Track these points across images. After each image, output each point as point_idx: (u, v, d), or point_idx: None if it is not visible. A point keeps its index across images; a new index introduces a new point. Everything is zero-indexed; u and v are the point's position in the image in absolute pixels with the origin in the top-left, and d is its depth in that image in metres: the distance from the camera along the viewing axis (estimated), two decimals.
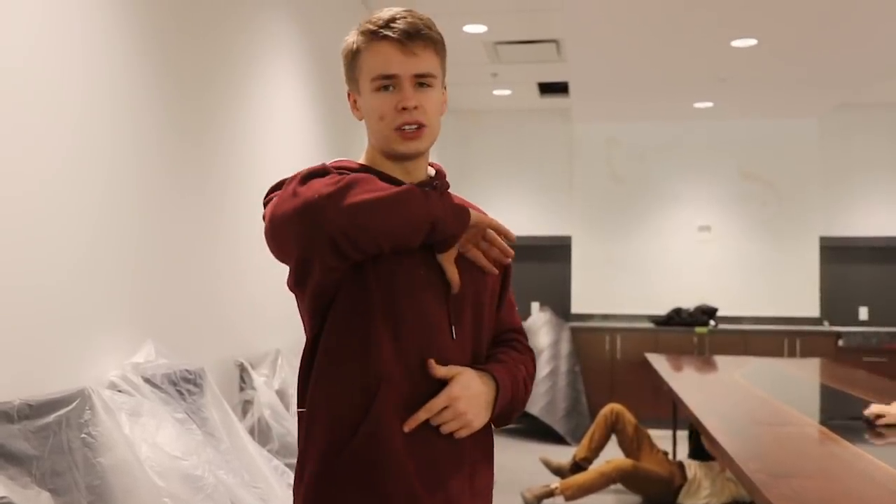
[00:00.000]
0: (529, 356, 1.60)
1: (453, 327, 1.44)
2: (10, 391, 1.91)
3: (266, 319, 3.55)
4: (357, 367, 1.37)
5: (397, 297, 1.38)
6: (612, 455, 5.25)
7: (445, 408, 1.38)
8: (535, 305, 8.00)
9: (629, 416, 5.21)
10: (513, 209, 8.20)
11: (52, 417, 1.96)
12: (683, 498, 4.85)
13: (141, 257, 2.54)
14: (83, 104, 2.27)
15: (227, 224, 3.19)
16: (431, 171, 1.56)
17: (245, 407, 3.10)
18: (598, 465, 4.91)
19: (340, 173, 1.38)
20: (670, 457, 5.17)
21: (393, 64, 1.39)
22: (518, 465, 5.97)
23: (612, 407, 5.25)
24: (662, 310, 7.87)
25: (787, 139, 7.90)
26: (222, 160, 3.14)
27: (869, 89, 7.06)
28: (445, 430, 1.40)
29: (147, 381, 2.36)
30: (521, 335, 1.62)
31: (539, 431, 6.93)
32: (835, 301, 7.79)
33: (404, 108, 1.39)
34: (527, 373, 1.56)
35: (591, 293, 8.09)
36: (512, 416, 1.54)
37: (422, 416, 1.37)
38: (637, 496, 5.06)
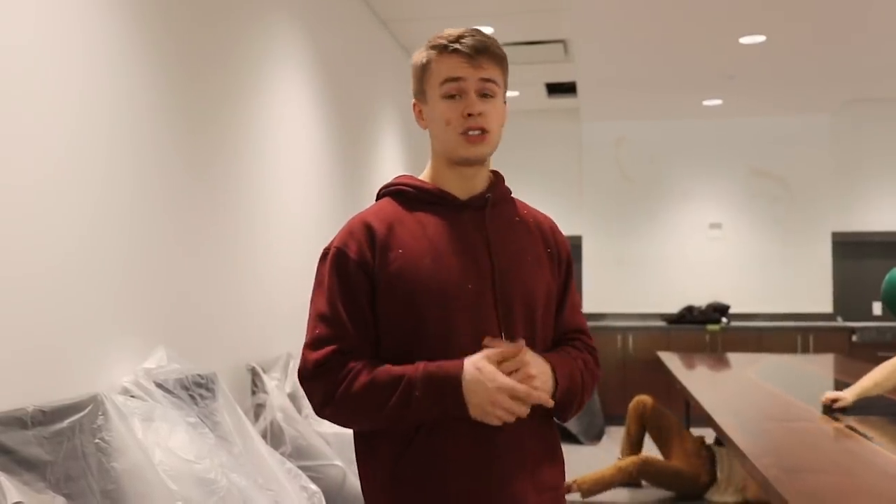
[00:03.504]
0: (591, 355, 1.63)
1: (504, 332, 1.49)
2: (23, 398, 1.93)
3: (277, 323, 3.56)
4: None
5: (434, 317, 1.47)
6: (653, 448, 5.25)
7: (515, 371, 1.43)
8: None
9: (655, 407, 5.18)
10: None
11: (65, 423, 1.98)
12: (711, 495, 4.84)
13: (152, 264, 2.55)
14: (86, 110, 2.28)
15: (238, 229, 3.20)
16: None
17: (257, 410, 3.11)
18: (616, 461, 4.89)
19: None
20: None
21: (460, 70, 1.50)
22: None
23: (638, 399, 5.24)
24: (674, 308, 7.85)
25: (797, 135, 7.86)
26: (234, 166, 3.16)
27: (880, 84, 7.02)
28: (520, 392, 1.40)
29: (159, 386, 2.38)
30: (584, 335, 1.65)
31: None
32: (848, 296, 7.74)
33: (469, 114, 1.49)
34: (585, 367, 1.58)
35: (602, 292, 8.07)
36: (572, 407, 1.56)
37: (493, 356, 1.42)
38: (665, 491, 5.02)
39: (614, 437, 6.86)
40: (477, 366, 1.40)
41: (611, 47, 5.75)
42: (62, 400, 2.01)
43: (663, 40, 5.59)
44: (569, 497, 4.84)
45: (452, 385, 1.39)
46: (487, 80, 1.51)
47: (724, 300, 7.75)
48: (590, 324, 7.64)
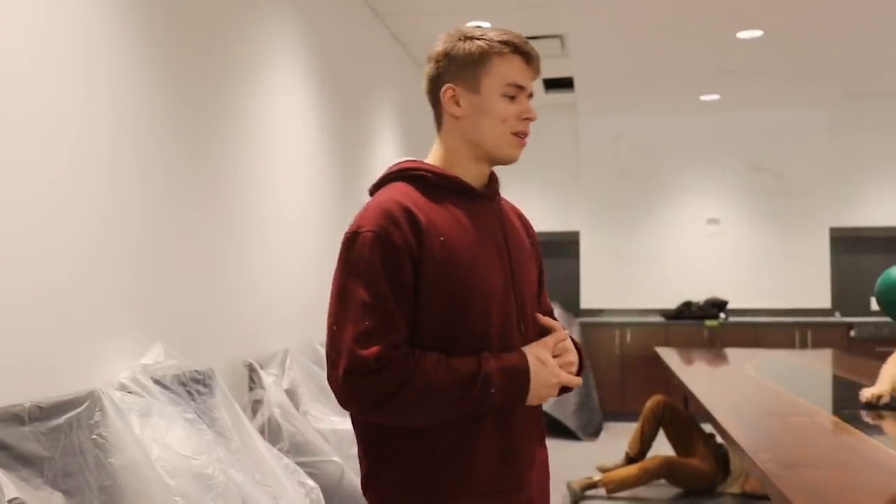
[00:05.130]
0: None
1: (521, 324, 1.55)
2: (20, 394, 1.92)
3: (274, 319, 3.55)
4: None
5: (477, 307, 1.48)
6: (663, 446, 5.28)
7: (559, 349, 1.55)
8: None
9: (675, 408, 5.23)
10: (520, 205, 8.07)
11: (62, 419, 1.97)
12: (724, 487, 4.98)
13: (149, 259, 2.55)
14: (86, 108, 2.28)
15: (235, 225, 3.20)
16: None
17: (255, 406, 3.11)
18: (643, 461, 5.01)
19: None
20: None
21: (525, 77, 1.55)
22: None
23: (657, 399, 5.26)
24: (672, 303, 7.85)
25: (795, 131, 7.86)
26: (230, 161, 3.15)
27: (878, 79, 7.02)
28: (572, 383, 1.54)
29: (156, 382, 2.37)
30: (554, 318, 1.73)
31: (550, 427, 6.91)
32: (846, 292, 7.75)
33: (527, 118, 1.55)
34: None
35: (600, 288, 8.07)
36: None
37: (550, 342, 1.53)
38: (678, 489, 5.09)
39: (612, 433, 6.86)
40: (541, 359, 1.49)
41: (608, 42, 5.75)
42: (59, 396, 2.00)
43: (661, 35, 5.59)
44: (592, 493, 4.92)
45: (524, 380, 1.46)
46: (532, 94, 1.58)
47: (721, 296, 7.76)
48: (587, 319, 7.66)
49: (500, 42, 1.55)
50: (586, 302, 8.05)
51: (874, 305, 7.67)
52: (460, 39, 1.57)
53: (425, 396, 1.40)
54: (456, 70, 1.56)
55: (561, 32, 5.81)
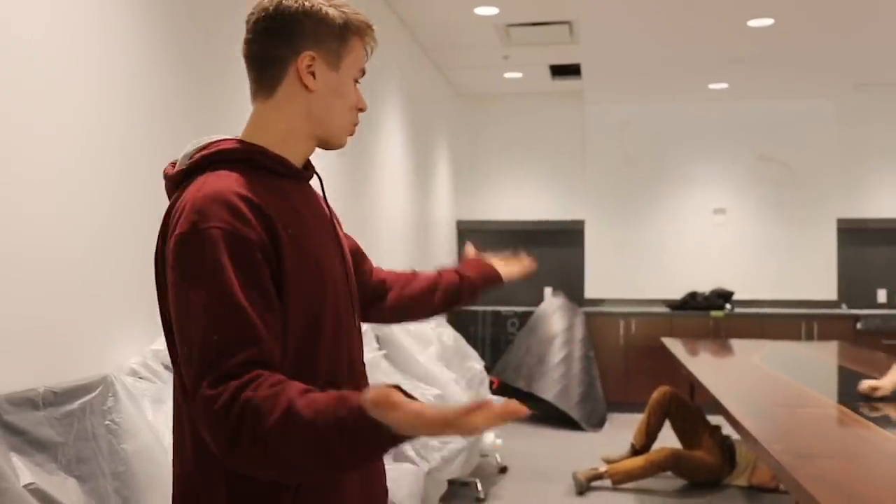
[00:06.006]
0: None
1: (356, 313, 1.44)
2: (34, 379, 1.91)
3: None
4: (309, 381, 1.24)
5: (330, 304, 1.33)
6: (669, 437, 5.29)
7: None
8: (548, 290, 7.97)
9: (682, 399, 5.23)
10: (525, 193, 8.17)
11: (76, 404, 1.97)
12: (730, 480, 5.00)
13: None
14: (101, 91, 2.26)
15: None
16: None
17: None
18: (649, 453, 5.01)
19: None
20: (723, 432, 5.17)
21: (365, 63, 1.42)
22: (534, 450, 5.97)
23: (664, 390, 5.25)
24: (677, 294, 7.83)
25: (803, 120, 7.81)
26: None
27: (888, 70, 6.97)
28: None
29: (167, 368, 2.36)
30: None
31: (554, 417, 6.92)
32: (852, 283, 7.72)
33: (361, 109, 1.42)
34: None
35: (604, 277, 8.05)
36: None
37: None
38: (684, 481, 5.10)
39: (616, 424, 6.86)
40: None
41: (617, 29, 5.71)
42: (72, 381, 1.99)
43: (670, 22, 5.55)
44: (598, 484, 4.93)
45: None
46: None
47: (727, 286, 7.73)
48: (591, 309, 7.64)
49: (360, 21, 1.39)
50: (591, 292, 8.03)
51: (881, 298, 7.65)
52: (338, 9, 1.36)
53: (292, 442, 1.10)
54: (319, 38, 1.34)
55: (569, 19, 5.78)
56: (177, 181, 1.32)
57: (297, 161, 1.37)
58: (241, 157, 1.30)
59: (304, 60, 1.33)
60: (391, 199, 5.52)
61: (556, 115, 8.17)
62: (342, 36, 1.35)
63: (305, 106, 1.35)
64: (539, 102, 8.17)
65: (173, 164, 1.35)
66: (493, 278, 1.84)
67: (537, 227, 8.08)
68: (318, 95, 1.34)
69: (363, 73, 1.41)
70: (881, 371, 4.08)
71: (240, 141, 1.34)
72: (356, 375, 1.39)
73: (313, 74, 1.34)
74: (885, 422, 2.76)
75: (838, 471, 2.11)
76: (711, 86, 7.37)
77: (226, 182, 1.24)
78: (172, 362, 1.31)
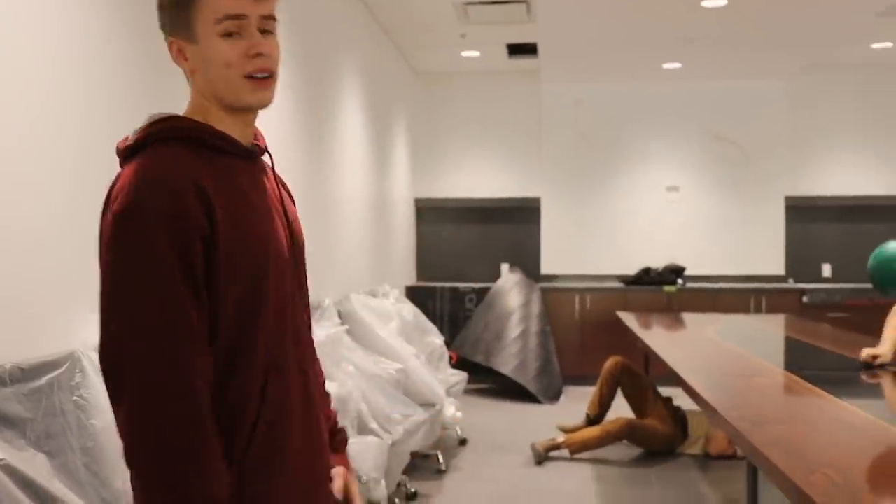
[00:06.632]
0: None
1: (304, 299, 1.46)
2: (0, 355, 1.89)
3: None
4: (248, 359, 1.31)
5: (273, 288, 1.33)
6: (622, 407, 5.43)
7: None
8: (504, 267, 8.05)
9: (633, 369, 5.35)
10: (482, 171, 8.22)
11: (43, 380, 1.96)
12: (683, 449, 5.16)
13: None
14: (63, 66, 2.22)
15: None
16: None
17: None
18: (605, 423, 5.15)
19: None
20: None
21: (240, 4, 1.29)
22: (493, 423, 6.06)
23: (615, 360, 5.37)
24: (631, 269, 7.97)
25: (755, 101, 7.98)
26: None
27: (837, 51, 7.15)
28: None
29: None
30: None
31: (511, 391, 7.03)
32: (799, 259, 7.95)
33: (257, 55, 1.30)
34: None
35: (560, 254, 8.16)
36: None
37: None
38: (640, 449, 5.25)
39: (572, 397, 6.99)
40: None
41: (574, 8, 5.75)
42: (39, 357, 1.98)
43: (625, 2, 5.61)
44: (555, 454, 5.05)
45: None
46: (268, 17, 1.32)
47: (680, 262, 7.90)
48: (547, 285, 7.74)
49: None
50: (547, 268, 8.13)
51: (826, 272, 7.90)
52: None
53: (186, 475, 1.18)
54: (171, 21, 1.33)
55: None
56: (125, 156, 1.31)
57: (242, 139, 1.36)
58: (187, 134, 1.29)
59: (172, 49, 1.35)
60: (350, 178, 5.51)
61: (512, 93, 8.21)
62: (184, 4, 1.31)
63: (196, 83, 1.35)
64: (496, 81, 8.20)
65: (126, 139, 1.34)
66: None
67: (494, 205, 8.14)
68: (198, 73, 1.33)
69: (236, 17, 1.29)
70: (828, 341, 4.24)
71: (187, 118, 1.33)
72: (301, 343, 1.41)
73: (184, 56, 1.33)
74: (835, 390, 2.87)
75: (794, 436, 2.20)
76: (666, 66, 7.47)
77: (166, 158, 1.24)
78: None
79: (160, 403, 1.17)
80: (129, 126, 1.35)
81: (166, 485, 1.17)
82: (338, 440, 1.57)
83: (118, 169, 1.30)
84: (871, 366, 3.28)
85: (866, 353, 3.33)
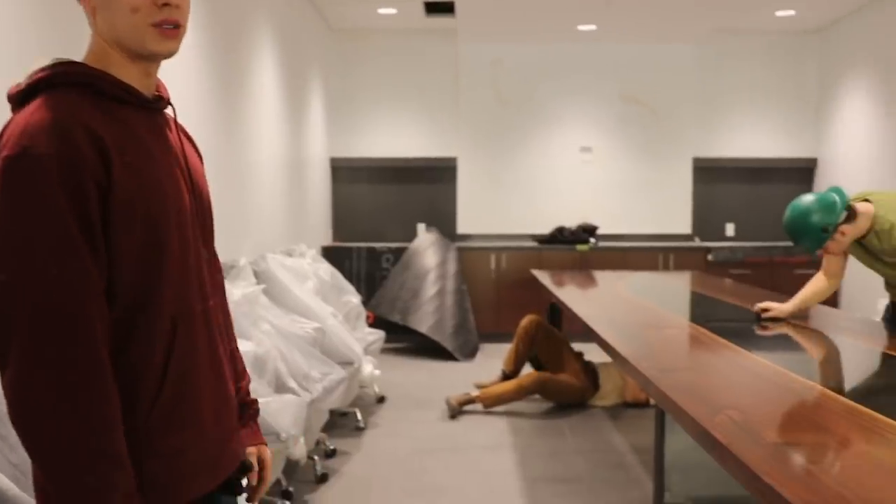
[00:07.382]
0: None
1: (206, 250, 1.44)
2: None
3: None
4: (154, 311, 1.29)
5: (174, 240, 1.31)
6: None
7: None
8: (421, 226, 8.08)
9: (548, 327, 5.50)
10: (398, 131, 8.18)
11: None
12: (594, 401, 5.37)
13: None
14: None
15: None
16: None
17: None
18: (519, 377, 5.28)
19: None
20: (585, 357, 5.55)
21: None
22: (410, 381, 6.13)
23: (531, 319, 5.49)
24: (546, 229, 8.13)
25: (665, 64, 8.17)
26: None
27: (744, 16, 7.37)
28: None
29: None
30: None
31: (428, 349, 7.11)
32: (704, 219, 8.26)
33: (165, 4, 1.26)
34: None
35: (476, 213, 8.24)
36: None
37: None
38: (551, 402, 5.40)
39: (488, 354, 7.12)
40: None
41: None
42: None
43: None
44: (470, 408, 5.14)
45: None
46: None
47: (593, 221, 8.10)
48: (464, 244, 7.81)
49: None
50: (463, 227, 8.20)
51: (729, 231, 8.23)
52: None
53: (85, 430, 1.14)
54: None
55: None
56: (16, 102, 1.26)
57: (144, 89, 1.33)
58: (83, 80, 1.25)
59: None
60: (264, 137, 5.41)
61: (429, 52, 8.17)
62: None
63: (98, 26, 1.29)
64: (413, 39, 8.13)
65: (18, 85, 1.27)
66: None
67: (410, 165, 8.13)
68: (100, 14, 1.28)
69: None
70: (729, 295, 4.44)
71: (85, 65, 1.28)
72: (206, 296, 1.39)
73: None
74: (738, 339, 3.02)
75: (698, 381, 2.32)
76: (581, 27, 7.56)
77: (59, 103, 1.20)
78: None
79: (54, 360, 1.13)
80: (20, 71, 1.29)
81: (63, 449, 1.13)
82: (248, 414, 1.57)
83: (10, 115, 1.25)
84: (761, 318, 3.53)
85: (758, 306, 3.57)
